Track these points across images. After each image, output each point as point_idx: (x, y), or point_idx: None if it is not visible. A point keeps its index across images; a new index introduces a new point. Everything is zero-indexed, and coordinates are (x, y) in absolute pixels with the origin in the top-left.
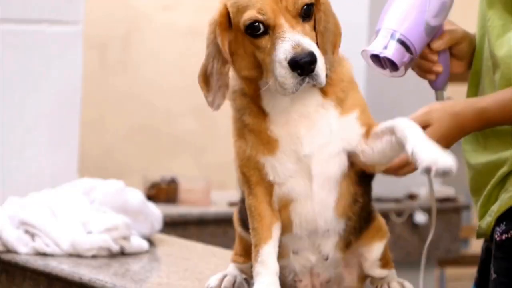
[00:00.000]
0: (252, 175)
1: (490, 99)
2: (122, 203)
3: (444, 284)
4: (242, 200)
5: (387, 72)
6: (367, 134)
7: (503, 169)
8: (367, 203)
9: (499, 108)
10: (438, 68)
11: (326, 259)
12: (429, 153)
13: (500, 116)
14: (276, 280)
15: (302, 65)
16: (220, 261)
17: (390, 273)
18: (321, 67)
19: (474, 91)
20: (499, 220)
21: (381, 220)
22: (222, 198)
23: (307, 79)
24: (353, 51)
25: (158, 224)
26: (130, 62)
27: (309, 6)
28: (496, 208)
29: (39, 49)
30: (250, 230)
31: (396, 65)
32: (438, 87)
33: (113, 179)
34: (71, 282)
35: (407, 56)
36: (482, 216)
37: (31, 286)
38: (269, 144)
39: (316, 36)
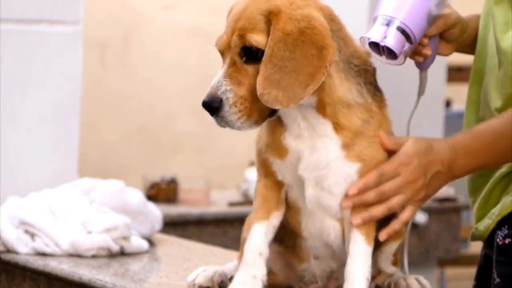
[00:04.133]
0: (263, 167)
1: (461, 132)
2: (122, 203)
3: (444, 284)
4: None
5: (383, 58)
6: None
7: (502, 170)
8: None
9: (472, 136)
10: (428, 51)
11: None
12: None
13: (473, 146)
14: (258, 260)
15: (204, 107)
16: (220, 261)
17: (397, 271)
18: (231, 113)
19: (476, 89)
20: (500, 224)
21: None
22: (222, 198)
23: (219, 121)
24: None
25: (158, 224)
26: (130, 62)
27: (251, 49)
28: (498, 211)
29: (39, 49)
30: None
31: (395, 54)
32: (423, 68)
33: (113, 179)
34: (71, 282)
35: (407, 45)
36: (480, 218)
37: (31, 286)
38: (280, 149)
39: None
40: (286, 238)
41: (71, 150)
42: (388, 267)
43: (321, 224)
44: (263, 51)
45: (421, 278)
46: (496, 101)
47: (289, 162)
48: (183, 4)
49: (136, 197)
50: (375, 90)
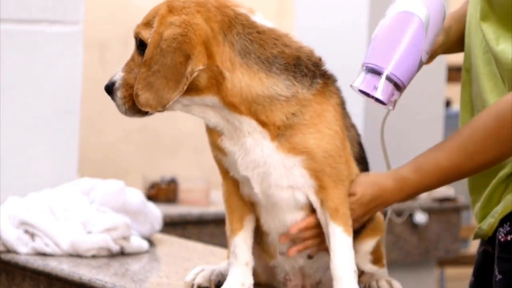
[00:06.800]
0: (218, 165)
1: (409, 168)
2: (122, 203)
3: (444, 284)
4: None
5: (373, 101)
6: (322, 193)
7: (505, 171)
8: None
9: (418, 176)
10: None
11: (310, 257)
12: None
13: (421, 184)
14: (245, 270)
15: (105, 90)
16: (220, 261)
17: (381, 271)
18: (118, 97)
19: (468, 90)
20: (502, 221)
21: (378, 220)
22: (222, 198)
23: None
24: (353, 51)
25: (158, 224)
26: None
27: (138, 41)
28: (500, 209)
29: (39, 49)
30: (226, 220)
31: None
32: None
33: (113, 179)
34: (71, 282)
35: (396, 94)
36: (482, 217)
37: (31, 286)
38: (221, 150)
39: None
40: (255, 234)
41: (71, 150)
42: (366, 266)
43: (281, 219)
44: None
45: (394, 281)
46: None
47: (231, 160)
48: None
49: (136, 197)
50: (313, 79)
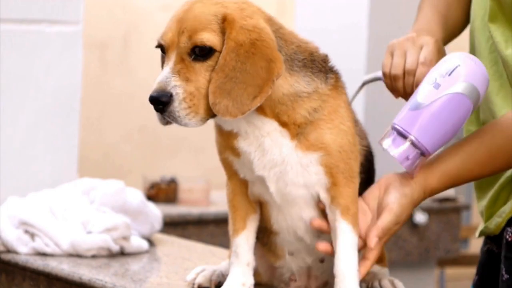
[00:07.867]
0: (225, 167)
1: (440, 180)
2: (122, 203)
3: (444, 284)
4: None
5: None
6: (333, 190)
7: (509, 174)
8: None
9: (447, 186)
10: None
11: (322, 261)
12: None
13: (444, 190)
14: (246, 270)
15: (151, 102)
16: (220, 261)
17: (383, 271)
18: (180, 109)
19: None
20: (510, 221)
21: None
22: (222, 198)
23: (166, 116)
24: (353, 51)
25: (158, 224)
26: (130, 62)
27: (203, 48)
28: (508, 209)
29: (39, 49)
30: (228, 219)
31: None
32: None
33: (113, 179)
34: (71, 282)
35: (420, 160)
36: (488, 217)
37: (31, 286)
38: (234, 150)
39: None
40: (261, 235)
41: (71, 150)
42: None
43: (294, 217)
44: (214, 49)
45: (396, 281)
46: (504, 111)
47: (246, 161)
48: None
49: (136, 197)
50: (326, 74)
